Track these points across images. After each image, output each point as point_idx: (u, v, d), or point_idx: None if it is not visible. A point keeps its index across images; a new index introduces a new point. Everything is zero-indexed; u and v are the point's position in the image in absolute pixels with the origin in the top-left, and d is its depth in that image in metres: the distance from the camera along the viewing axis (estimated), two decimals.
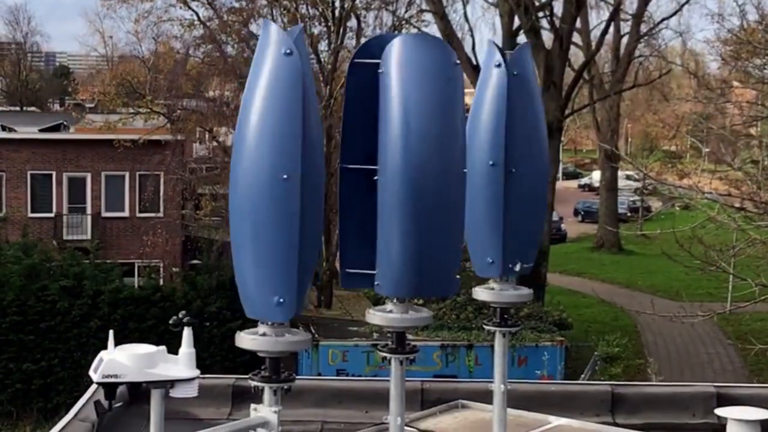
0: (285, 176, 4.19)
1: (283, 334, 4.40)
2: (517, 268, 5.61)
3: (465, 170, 4.92)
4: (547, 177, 5.87)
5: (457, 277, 4.95)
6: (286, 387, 4.45)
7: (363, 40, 35.97)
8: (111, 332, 4.40)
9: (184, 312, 4.39)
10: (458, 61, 4.88)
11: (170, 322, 4.37)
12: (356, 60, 4.87)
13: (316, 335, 27.21)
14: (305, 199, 4.26)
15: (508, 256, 5.56)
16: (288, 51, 4.21)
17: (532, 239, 5.79)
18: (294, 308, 4.37)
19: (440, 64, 4.80)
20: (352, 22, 36.21)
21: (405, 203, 4.69)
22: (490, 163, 5.45)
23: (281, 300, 4.28)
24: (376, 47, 4.83)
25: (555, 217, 50.50)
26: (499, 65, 5.51)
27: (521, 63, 5.59)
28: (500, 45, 5.81)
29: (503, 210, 5.48)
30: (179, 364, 4.28)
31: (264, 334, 4.39)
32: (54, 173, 37.93)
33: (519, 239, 5.59)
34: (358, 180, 4.81)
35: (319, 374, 25.29)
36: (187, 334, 4.33)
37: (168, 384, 4.22)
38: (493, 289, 5.66)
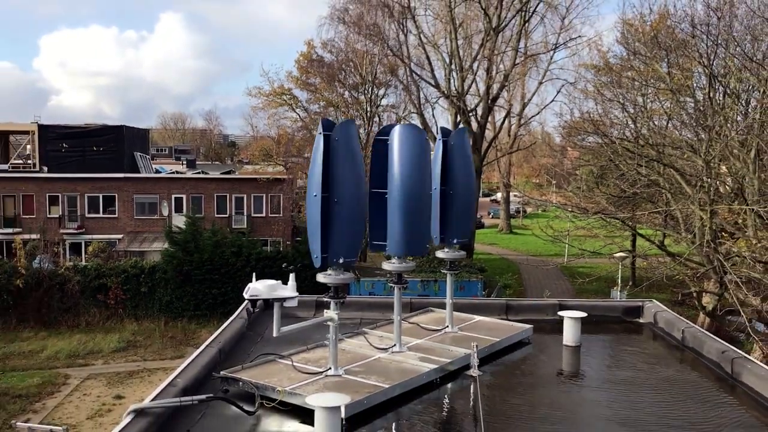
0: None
1: (340, 273, 4.31)
2: (455, 241, 5.52)
3: (430, 191, 4.85)
4: (474, 194, 5.79)
5: (427, 246, 4.90)
6: (342, 301, 4.40)
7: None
8: (254, 274, 4.41)
9: (285, 263, 4.36)
10: (427, 137, 4.83)
11: (282, 266, 4.34)
12: (377, 137, 4.81)
13: (359, 275, 27.17)
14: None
15: (448, 235, 5.48)
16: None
17: (466, 225, 5.74)
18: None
19: (417, 139, 4.73)
20: (376, 118, 36.35)
21: (400, 207, 4.64)
22: (438, 188, 5.38)
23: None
24: (386, 130, 4.77)
25: (478, 216, 50.17)
26: (442, 139, 5.44)
27: (459, 137, 5.52)
28: (448, 128, 5.69)
29: (440, 212, 5.38)
30: (288, 289, 4.25)
31: (332, 274, 4.29)
32: (228, 194, 37.97)
33: (459, 226, 5.52)
34: (378, 197, 4.75)
35: (361, 295, 25.25)
36: (291, 276, 4.29)
37: (282, 300, 4.20)
38: (446, 250, 5.62)
